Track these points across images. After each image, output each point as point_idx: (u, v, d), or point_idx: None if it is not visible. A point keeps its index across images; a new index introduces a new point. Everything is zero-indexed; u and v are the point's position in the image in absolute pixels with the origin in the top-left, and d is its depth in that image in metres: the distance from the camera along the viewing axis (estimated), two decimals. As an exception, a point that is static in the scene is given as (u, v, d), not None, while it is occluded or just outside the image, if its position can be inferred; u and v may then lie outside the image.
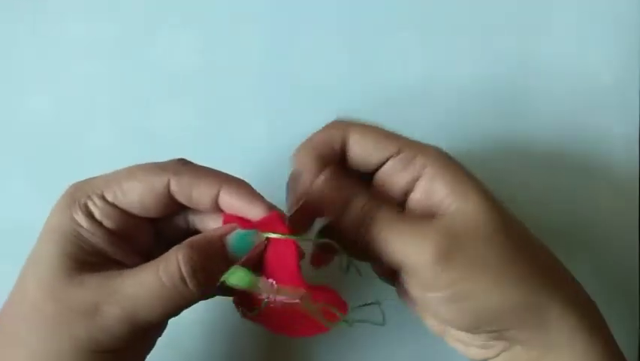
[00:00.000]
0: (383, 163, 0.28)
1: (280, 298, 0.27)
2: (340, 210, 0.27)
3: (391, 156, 0.28)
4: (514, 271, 0.26)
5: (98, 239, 0.26)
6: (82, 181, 0.27)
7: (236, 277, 0.25)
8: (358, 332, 0.37)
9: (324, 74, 0.40)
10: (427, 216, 0.27)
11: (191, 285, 0.25)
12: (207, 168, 0.28)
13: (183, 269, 0.24)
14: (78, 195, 0.26)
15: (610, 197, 0.40)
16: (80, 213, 0.26)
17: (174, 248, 0.25)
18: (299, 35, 0.40)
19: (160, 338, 0.29)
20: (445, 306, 0.26)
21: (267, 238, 0.27)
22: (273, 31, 0.40)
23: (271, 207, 0.27)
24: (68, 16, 0.40)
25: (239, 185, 0.27)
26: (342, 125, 0.28)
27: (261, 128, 0.40)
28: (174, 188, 0.26)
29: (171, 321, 0.28)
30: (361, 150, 0.28)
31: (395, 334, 0.37)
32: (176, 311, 0.26)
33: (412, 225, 0.26)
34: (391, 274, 0.30)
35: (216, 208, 0.27)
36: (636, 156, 0.40)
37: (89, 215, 0.26)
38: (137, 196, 0.26)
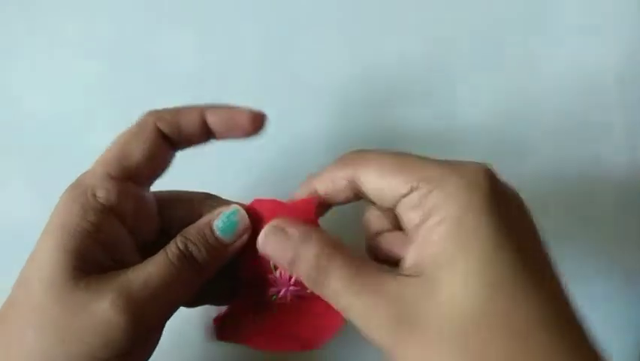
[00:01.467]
0: (402, 197, 0.24)
1: (294, 289, 0.28)
2: (290, 264, 0.25)
3: (408, 193, 0.24)
4: None
5: (102, 234, 0.25)
6: (84, 173, 0.27)
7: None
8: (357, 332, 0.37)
9: (324, 74, 0.40)
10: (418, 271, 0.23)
11: (187, 266, 0.26)
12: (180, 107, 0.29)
13: (184, 247, 0.26)
14: (80, 189, 0.26)
15: (610, 197, 0.40)
16: (87, 205, 0.26)
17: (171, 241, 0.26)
18: (299, 35, 0.40)
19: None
20: None
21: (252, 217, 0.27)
22: (272, 31, 0.40)
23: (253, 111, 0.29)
24: (67, 16, 0.40)
25: (220, 105, 0.29)
26: (354, 162, 0.26)
27: (261, 128, 0.40)
28: (161, 125, 0.28)
29: (170, 324, 0.28)
30: (374, 191, 0.25)
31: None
32: (176, 298, 0.26)
33: (365, 286, 0.23)
34: None
35: (206, 132, 0.29)
36: (636, 156, 0.40)
37: (96, 204, 0.26)
38: (137, 151, 0.27)
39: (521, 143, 0.40)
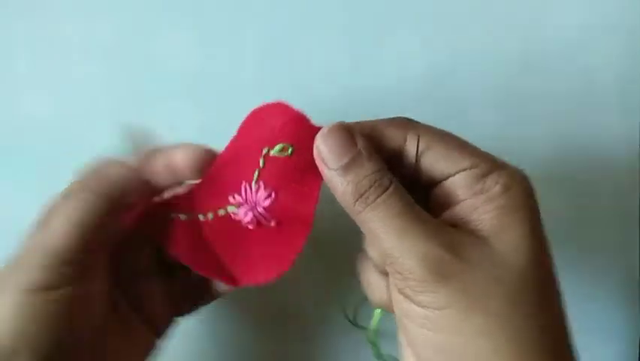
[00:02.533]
0: (450, 176, 0.25)
1: (261, 212, 0.25)
2: (344, 168, 0.24)
3: (463, 170, 0.25)
4: (515, 336, 0.23)
5: None
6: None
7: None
8: (357, 332, 0.37)
9: (324, 74, 0.40)
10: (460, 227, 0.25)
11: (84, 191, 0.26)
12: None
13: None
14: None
15: (610, 197, 0.40)
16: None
17: None
18: (299, 35, 0.40)
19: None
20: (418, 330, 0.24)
21: None
22: (272, 31, 0.40)
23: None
24: (67, 15, 0.40)
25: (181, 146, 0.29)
26: (411, 126, 0.26)
27: (261, 128, 0.40)
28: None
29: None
30: (433, 160, 0.25)
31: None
32: (91, 234, 0.26)
33: (419, 225, 0.23)
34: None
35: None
36: (636, 156, 0.40)
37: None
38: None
39: (521, 142, 0.40)
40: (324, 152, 0.24)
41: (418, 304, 0.23)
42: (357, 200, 0.24)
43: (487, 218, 0.24)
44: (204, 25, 0.40)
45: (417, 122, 0.26)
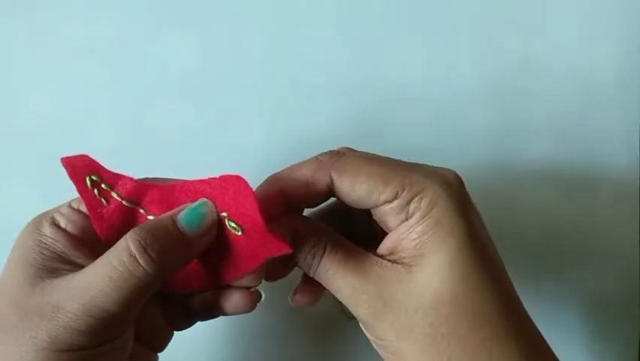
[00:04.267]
0: (378, 206, 0.27)
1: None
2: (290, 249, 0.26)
3: (387, 202, 0.26)
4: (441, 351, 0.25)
5: (61, 245, 0.26)
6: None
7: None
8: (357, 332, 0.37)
9: (324, 74, 0.40)
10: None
11: (142, 262, 0.24)
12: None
13: (132, 246, 0.24)
14: (47, 213, 0.27)
15: (610, 197, 0.40)
16: (45, 224, 0.26)
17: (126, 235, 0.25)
18: (299, 35, 0.40)
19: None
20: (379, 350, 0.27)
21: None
22: (272, 31, 0.40)
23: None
24: (68, 16, 0.40)
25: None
26: (335, 166, 0.27)
27: (261, 128, 0.40)
28: None
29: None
30: (356, 197, 0.27)
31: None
32: (136, 296, 0.24)
33: (352, 269, 0.26)
34: None
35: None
36: (636, 156, 0.40)
37: (54, 224, 0.26)
38: None
39: (520, 142, 0.40)
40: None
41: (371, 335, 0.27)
42: (310, 272, 0.27)
43: (410, 247, 0.26)
44: (205, 26, 0.40)
45: (337, 160, 0.27)
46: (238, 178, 0.26)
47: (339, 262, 0.27)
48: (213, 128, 0.40)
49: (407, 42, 0.40)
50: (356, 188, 0.26)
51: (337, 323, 0.39)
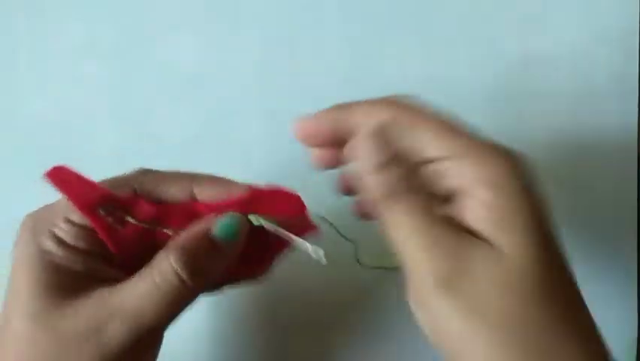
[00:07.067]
0: (452, 158, 0.24)
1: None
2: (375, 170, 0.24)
3: (446, 158, 0.24)
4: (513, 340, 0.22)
5: (74, 263, 0.25)
6: (38, 210, 0.27)
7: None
8: (356, 331, 0.37)
9: (324, 74, 0.40)
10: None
11: (187, 280, 0.24)
12: (170, 171, 0.28)
13: (180, 272, 0.24)
14: (40, 225, 0.26)
15: (609, 197, 0.40)
16: (48, 241, 0.25)
17: (163, 253, 0.25)
18: (299, 35, 0.40)
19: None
20: (426, 329, 0.24)
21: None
22: (272, 32, 0.40)
23: (245, 186, 0.27)
24: (69, 18, 0.40)
25: (209, 176, 0.28)
26: (395, 107, 0.25)
27: (261, 128, 0.40)
28: (142, 192, 0.27)
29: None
30: (423, 143, 0.24)
31: (396, 333, 0.37)
32: (180, 311, 0.25)
33: (432, 235, 0.23)
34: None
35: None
36: (635, 155, 0.40)
37: (59, 241, 0.25)
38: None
39: (520, 142, 0.40)
40: (364, 152, 0.25)
41: (426, 310, 0.23)
42: (385, 197, 0.24)
43: (485, 218, 0.23)
44: (205, 27, 0.40)
45: (403, 102, 0.26)
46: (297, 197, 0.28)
47: (418, 207, 0.24)
48: (214, 129, 0.40)
49: (407, 42, 0.40)
50: (429, 134, 0.25)
51: (338, 324, 0.39)
